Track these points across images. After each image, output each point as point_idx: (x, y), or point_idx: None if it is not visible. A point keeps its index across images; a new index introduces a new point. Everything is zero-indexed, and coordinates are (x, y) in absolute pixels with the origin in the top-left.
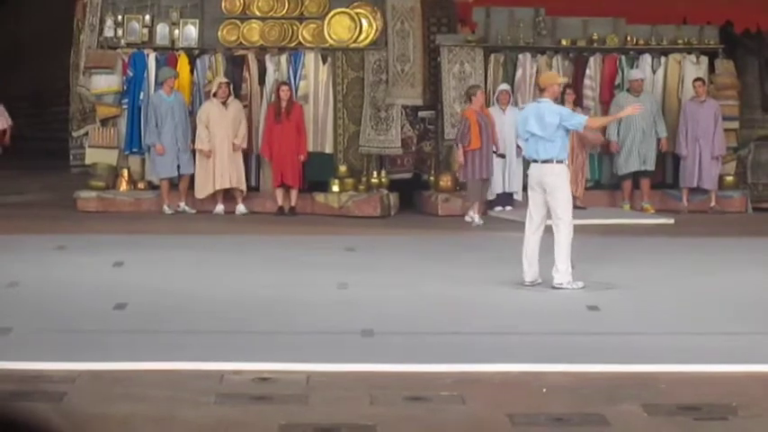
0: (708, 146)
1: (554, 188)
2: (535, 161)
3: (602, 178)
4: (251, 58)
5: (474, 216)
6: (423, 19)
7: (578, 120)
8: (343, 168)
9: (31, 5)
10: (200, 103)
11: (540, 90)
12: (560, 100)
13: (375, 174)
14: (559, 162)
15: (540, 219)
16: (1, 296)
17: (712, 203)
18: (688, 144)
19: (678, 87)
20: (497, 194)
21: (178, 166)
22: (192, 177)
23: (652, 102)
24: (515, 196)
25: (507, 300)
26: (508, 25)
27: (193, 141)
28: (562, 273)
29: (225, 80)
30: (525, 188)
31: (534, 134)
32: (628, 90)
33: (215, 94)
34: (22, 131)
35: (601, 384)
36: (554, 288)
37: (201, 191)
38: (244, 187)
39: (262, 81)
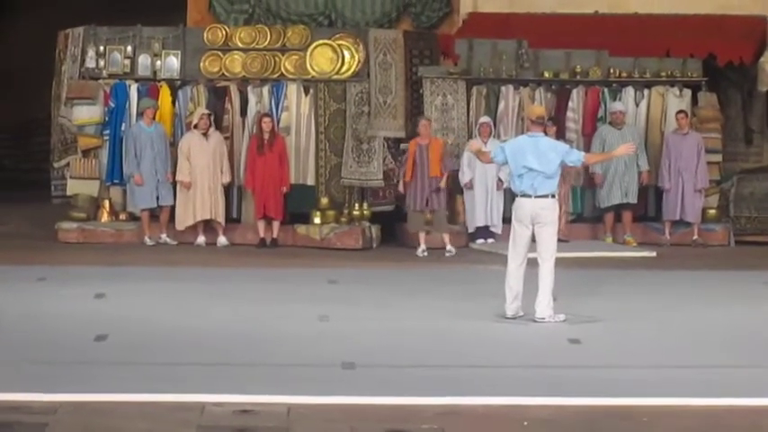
0: (691, 179)
1: (546, 222)
2: (528, 196)
3: (584, 211)
4: (233, 89)
5: (421, 248)
6: (405, 51)
7: (577, 156)
8: (324, 200)
9: (15, 36)
10: (182, 134)
11: (533, 123)
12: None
13: (357, 206)
14: (553, 196)
15: (525, 252)
16: None
17: (695, 236)
18: (671, 177)
19: (661, 120)
20: (477, 227)
21: (157, 197)
22: (172, 208)
23: (634, 134)
24: (493, 229)
25: (489, 332)
26: (491, 57)
27: (174, 173)
28: (544, 306)
29: (206, 111)
30: (505, 220)
31: (532, 170)
32: (610, 123)
33: (196, 126)
34: (3, 162)
35: (582, 417)
36: (536, 321)
37: (182, 222)
38: (222, 220)
39: (244, 112)
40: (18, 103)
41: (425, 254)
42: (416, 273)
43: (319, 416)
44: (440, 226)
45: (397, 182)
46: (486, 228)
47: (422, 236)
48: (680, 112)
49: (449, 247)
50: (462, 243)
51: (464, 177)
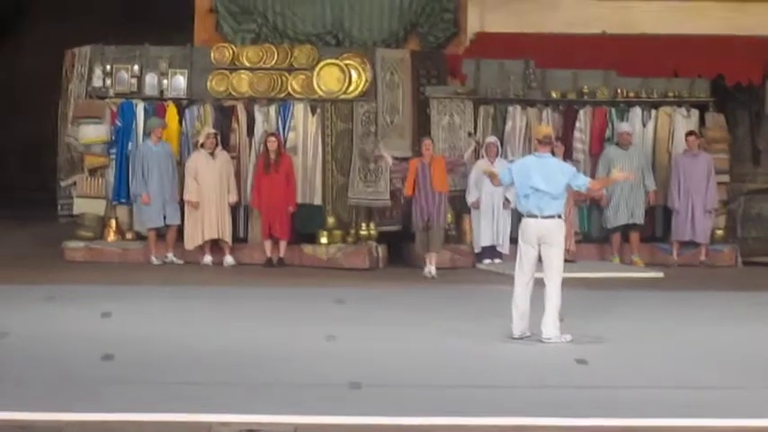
0: (700, 199)
1: (553, 242)
2: (534, 216)
3: (591, 231)
4: (240, 108)
5: (430, 268)
6: (412, 70)
7: (584, 180)
8: (331, 220)
9: (22, 55)
10: (189, 154)
11: (540, 143)
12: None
13: (364, 226)
14: (559, 217)
15: (532, 273)
16: None
17: (702, 257)
18: (680, 198)
19: (668, 140)
20: (485, 247)
21: (164, 216)
22: (179, 228)
23: (640, 155)
24: (500, 249)
25: (496, 353)
26: (498, 77)
27: (181, 192)
28: (551, 326)
29: (212, 131)
30: (512, 240)
31: (538, 190)
32: (617, 143)
33: (203, 145)
34: (11, 181)
35: None
36: (542, 341)
37: (190, 242)
38: (229, 239)
39: (250, 132)
40: (25, 121)
41: (434, 275)
42: (423, 293)
43: None
44: (434, 244)
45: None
46: (493, 248)
47: (430, 257)
48: (690, 133)
49: (431, 268)
50: (469, 263)
51: (471, 197)
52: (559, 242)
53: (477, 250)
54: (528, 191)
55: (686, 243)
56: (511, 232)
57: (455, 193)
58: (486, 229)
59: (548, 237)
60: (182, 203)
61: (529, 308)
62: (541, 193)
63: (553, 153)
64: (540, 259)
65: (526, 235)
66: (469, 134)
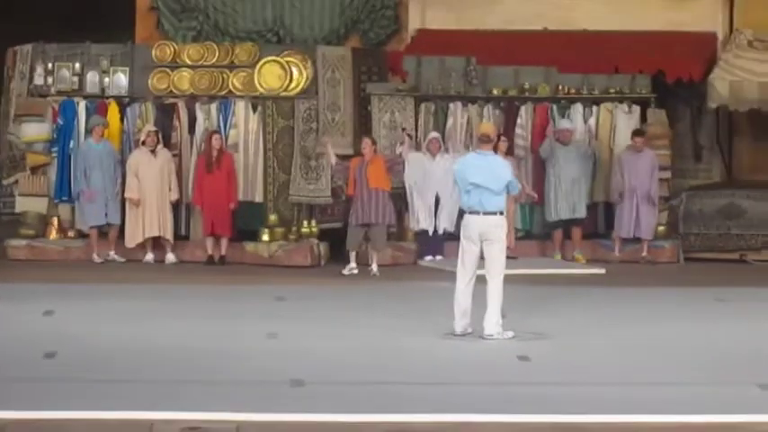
0: (645, 196)
1: (494, 239)
2: (476, 213)
3: (533, 228)
4: (181, 106)
5: (350, 266)
6: (353, 68)
7: (515, 184)
8: (273, 217)
9: None
10: (130, 152)
11: (483, 141)
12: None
13: (305, 223)
14: (501, 213)
15: (474, 270)
16: None
17: (644, 253)
18: (625, 194)
19: (610, 136)
20: (426, 244)
21: (106, 215)
22: (120, 226)
23: (581, 150)
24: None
25: (438, 350)
26: (439, 74)
27: (122, 190)
28: (493, 323)
29: (153, 128)
30: (454, 238)
31: (479, 186)
32: (557, 140)
33: (143, 143)
34: None
35: None
36: (484, 338)
37: (132, 239)
38: (171, 237)
39: (192, 130)
40: None
41: (355, 272)
42: (364, 290)
43: None
44: (377, 243)
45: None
46: (435, 244)
47: (353, 254)
48: (638, 133)
49: (374, 266)
50: (410, 260)
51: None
52: (501, 239)
53: (412, 226)
54: (469, 187)
55: (628, 239)
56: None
57: (397, 191)
58: (431, 220)
59: (489, 233)
60: (123, 202)
61: (471, 305)
62: (482, 189)
63: (496, 150)
64: (482, 256)
65: (468, 231)
66: (403, 129)
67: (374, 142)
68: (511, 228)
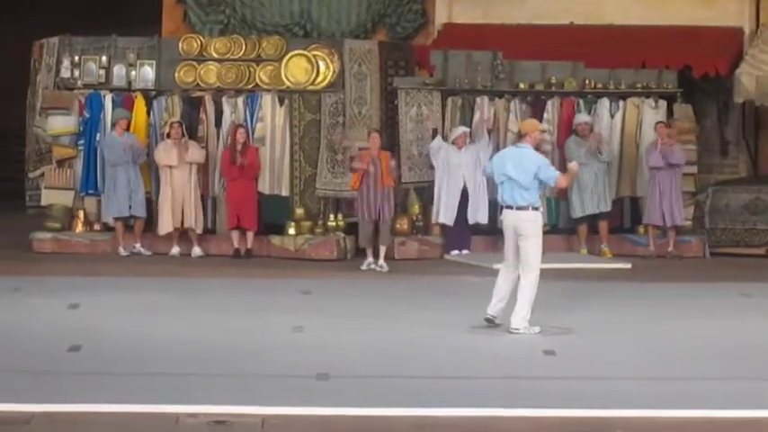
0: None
1: (528, 235)
2: (510, 207)
3: (559, 222)
4: (207, 99)
5: (368, 261)
6: (380, 61)
7: (552, 174)
8: (299, 211)
9: None
10: (156, 144)
11: (521, 136)
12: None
13: (331, 217)
14: (535, 209)
15: (514, 259)
16: None
17: (670, 248)
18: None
19: (636, 131)
20: (452, 238)
21: (130, 207)
22: (146, 219)
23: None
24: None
25: (464, 344)
26: (466, 68)
27: (148, 184)
28: (520, 318)
29: (177, 120)
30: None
31: (511, 178)
32: (575, 133)
33: (168, 135)
34: None
35: (557, 429)
36: (510, 332)
37: (163, 227)
38: (198, 229)
39: (218, 123)
40: None
41: (373, 267)
42: (390, 284)
43: (294, 427)
44: (385, 238)
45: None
46: (462, 237)
47: (369, 250)
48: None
49: (381, 261)
50: (437, 254)
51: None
52: (534, 234)
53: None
54: (502, 178)
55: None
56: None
57: (423, 185)
58: (446, 211)
59: (522, 228)
60: (148, 195)
61: (508, 294)
62: (513, 182)
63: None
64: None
65: (505, 224)
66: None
67: (381, 136)
68: None
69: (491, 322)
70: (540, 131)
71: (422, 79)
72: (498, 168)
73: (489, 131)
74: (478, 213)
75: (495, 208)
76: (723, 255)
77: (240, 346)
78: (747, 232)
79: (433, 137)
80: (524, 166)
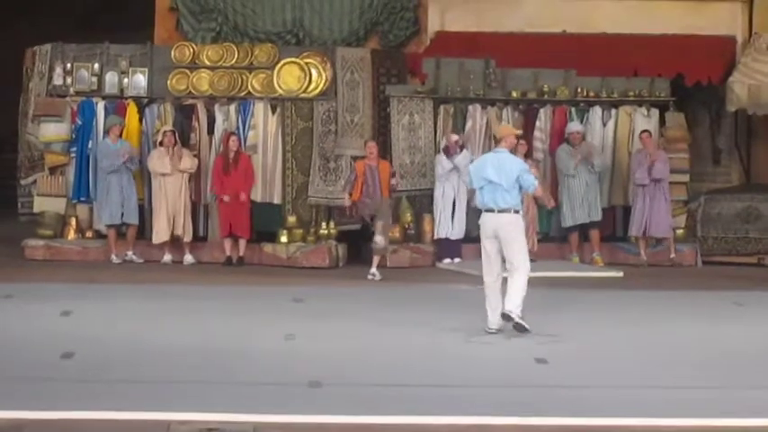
0: (658, 197)
1: (510, 238)
2: (491, 210)
3: (550, 230)
4: (200, 107)
5: (373, 272)
6: (373, 69)
7: (532, 180)
8: (291, 219)
9: None
10: (149, 152)
11: (497, 141)
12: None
13: (324, 224)
14: (516, 212)
15: (499, 267)
16: None
17: (672, 255)
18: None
19: (628, 139)
20: (444, 247)
21: (122, 214)
22: (138, 227)
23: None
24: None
25: (455, 351)
26: (458, 76)
27: (141, 191)
28: (515, 306)
29: (170, 128)
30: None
31: (492, 182)
32: (567, 141)
33: (161, 143)
34: None
35: None
36: (503, 315)
37: (158, 236)
38: (189, 237)
39: (211, 130)
40: None
41: (379, 277)
42: (383, 292)
43: None
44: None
45: (345, 194)
46: (453, 246)
47: (374, 259)
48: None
49: (373, 270)
50: (428, 262)
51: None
52: (517, 237)
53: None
54: (482, 182)
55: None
56: (470, 231)
57: (415, 193)
58: (448, 224)
59: (505, 231)
60: (141, 202)
61: (501, 301)
62: (494, 185)
63: (514, 153)
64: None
65: (484, 229)
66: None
67: (378, 145)
68: (532, 231)
69: (508, 319)
70: (515, 136)
71: (414, 87)
72: (478, 173)
73: (462, 146)
74: (458, 228)
75: None
76: (715, 263)
77: (232, 353)
78: (740, 241)
79: (460, 150)
80: (506, 169)
